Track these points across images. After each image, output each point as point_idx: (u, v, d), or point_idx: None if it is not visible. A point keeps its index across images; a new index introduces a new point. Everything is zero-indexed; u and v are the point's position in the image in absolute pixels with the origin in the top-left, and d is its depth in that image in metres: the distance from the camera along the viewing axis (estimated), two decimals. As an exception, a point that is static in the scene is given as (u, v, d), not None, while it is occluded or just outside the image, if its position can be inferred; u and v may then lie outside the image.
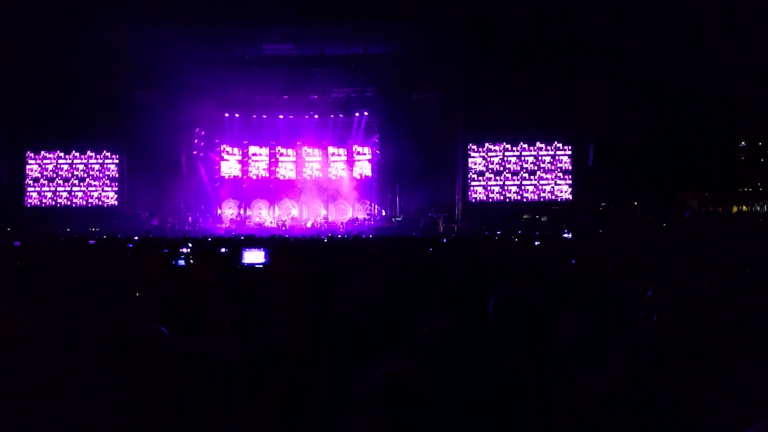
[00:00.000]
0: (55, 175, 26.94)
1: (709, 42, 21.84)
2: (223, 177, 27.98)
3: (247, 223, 26.08)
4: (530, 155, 26.22)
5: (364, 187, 27.57)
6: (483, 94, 24.29)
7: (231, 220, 26.75)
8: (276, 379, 2.01)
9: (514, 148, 26.25)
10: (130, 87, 24.90)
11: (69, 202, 26.87)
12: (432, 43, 24.30)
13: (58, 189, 26.92)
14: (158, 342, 2.12)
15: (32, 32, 22.31)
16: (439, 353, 1.80)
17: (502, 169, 26.20)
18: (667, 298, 3.15)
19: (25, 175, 26.84)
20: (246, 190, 27.97)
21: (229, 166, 28.21)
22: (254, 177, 28.19)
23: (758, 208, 24.11)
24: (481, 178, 26.21)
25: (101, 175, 26.92)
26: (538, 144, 26.17)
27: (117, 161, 26.85)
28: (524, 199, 26.14)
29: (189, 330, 2.22)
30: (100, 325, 2.60)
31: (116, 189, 26.83)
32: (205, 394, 1.62)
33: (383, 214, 26.19)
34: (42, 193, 26.91)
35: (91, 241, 10.27)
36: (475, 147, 26.22)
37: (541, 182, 26.11)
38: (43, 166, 26.97)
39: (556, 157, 26.13)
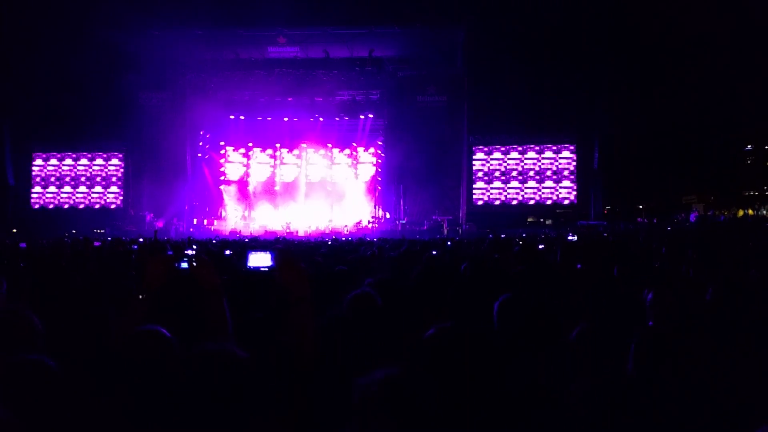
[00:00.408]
0: (60, 177, 27.06)
1: (715, 45, 21.78)
2: (228, 179, 28.04)
3: (251, 226, 26.11)
4: (534, 158, 26.17)
5: (368, 190, 27.57)
6: (487, 97, 24.30)
7: (235, 222, 26.78)
8: (283, 382, 2.01)
9: (519, 151, 26.21)
10: (135, 89, 25.05)
11: (74, 204, 26.98)
12: (437, 46, 24.36)
13: (64, 191, 27.04)
14: (159, 344, 2.12)
15: (40, 35, 22.49)
16: (442, 357, 1.79)
17: (506, 171, 26.16)
18: (670, 302, 3.13)
19: (31, 177, 26.99)
20: (250, 192, 28.02)
21: (234, 168, 28.27)
22: (258, 179, 28.24)
23: (764, 211, 23.98)
24: (485, 180, 26.17)
25: (106, 176, 27.02)
26: (542, 147, 26.11)
27: (122, 163, 26.96)
28: (528, 202, 26.08)
29: (190, 333, 2.22)
30: (103, 326, 2.60)
31: (121, 191, 26.93)
32: (213, 397, 1.62)
33: (387, 216, 26.17)
34: (48, 195, 27.04)
35: (96, 243, 10.28)
36: (479, 150, 26.20)
37: (546, 185, 26.04)
38: (50, 169, 27.10)
39: (561, 160, 26.06)
